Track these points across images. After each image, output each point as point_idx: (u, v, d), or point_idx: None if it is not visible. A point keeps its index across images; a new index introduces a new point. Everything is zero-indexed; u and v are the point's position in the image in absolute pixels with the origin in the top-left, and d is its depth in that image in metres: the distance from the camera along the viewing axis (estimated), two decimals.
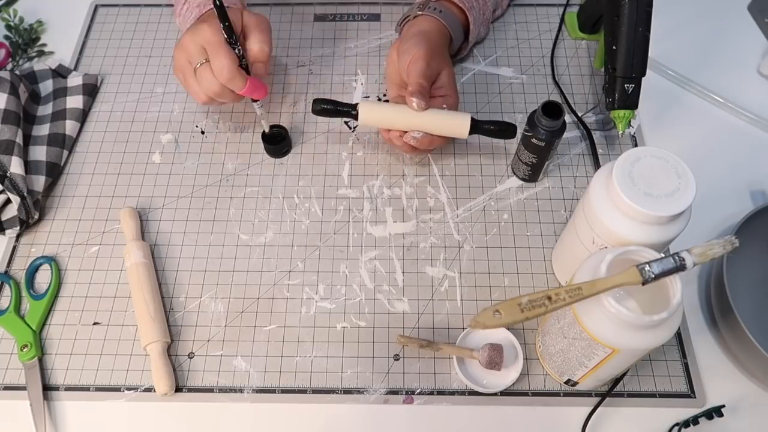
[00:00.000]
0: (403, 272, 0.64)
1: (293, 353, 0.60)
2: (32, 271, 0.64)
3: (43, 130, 0.71)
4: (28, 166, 0.67)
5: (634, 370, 0.58)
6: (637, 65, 0.63)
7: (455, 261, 0.64)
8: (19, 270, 0.64)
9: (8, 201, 0.64)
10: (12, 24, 0.80)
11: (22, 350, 0.59)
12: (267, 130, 0.67)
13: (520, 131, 0.68)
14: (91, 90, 0.75)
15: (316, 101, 0.64)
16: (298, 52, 0.79)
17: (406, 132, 0.63)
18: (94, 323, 0.61)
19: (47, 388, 0.58)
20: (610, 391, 0.56)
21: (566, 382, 0.56)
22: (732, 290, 0.55)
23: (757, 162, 0.70)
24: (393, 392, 0.58)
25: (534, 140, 0.62)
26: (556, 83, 0.76)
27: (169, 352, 0.60)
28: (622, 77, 0.63)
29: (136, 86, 0.77)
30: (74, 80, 0.75)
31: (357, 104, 0.63)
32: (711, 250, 0.44)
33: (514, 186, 0.69)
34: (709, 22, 0.81)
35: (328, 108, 0.64)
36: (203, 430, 0.57)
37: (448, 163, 0.70)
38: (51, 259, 0.64)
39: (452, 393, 0.58)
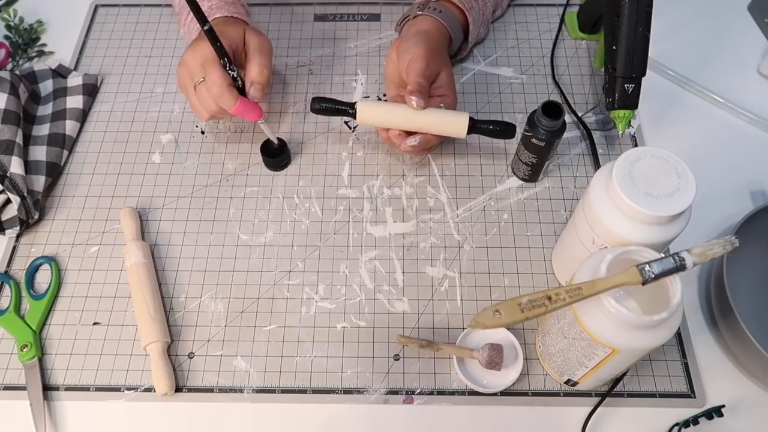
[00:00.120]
0: (403, 272, 0.64)
1: (293, 353, 0.60)
2: (32, 271, 0.64)
3: (43, 130, 0.71)
4: (28, 166, 0.67)
5: (634, 370, 0.58)
6: (637, 65, 0.63)
7: (455, 261, 0.64)
8: (19, 270, 0.65)
9: (8, 201, 0.64)
10: (12, 24, 0.80)
11: (22, 350, 0.59)
12: (275, 142, 0.67)
13: (519, 131, 0.68)
14: (91, 90, 0.75)
15: (314, 100, 0.64)
16: (298, 52, 0.79)
17: (404, 131, 0.63)
18: (94, 323, 0.61)
19: (47, 388, 0.58)
20: (610, 391, 0.56)
21: (566, 382, 0.56)
22: (732, 290, 0.55)
23: (757, 162, 0.70)
24: (393, 392, 0.58)
25: (534, 140, 0.62)
26: (556, 83, 0.76)
27: (169, 352, 0.60)
28: (622, 77, 0.63)
29: (136, 86, 0.77)
30: (74, 80, 0.75)
31: (355, 103, 0.63)
32: (711, 250, 0.44)
33: (514, 186, 0.69)
34: (709, 22, 0.81)
35: (327, 107, 0.64)
36: (203, 430, 0.57)
37: (448, 163, 0.70)
38: (51, 259, 0.64)
39: (452, 393, 0.58)
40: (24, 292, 0.63)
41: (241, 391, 0.58)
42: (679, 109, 0.75)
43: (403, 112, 0.62)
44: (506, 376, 0.57)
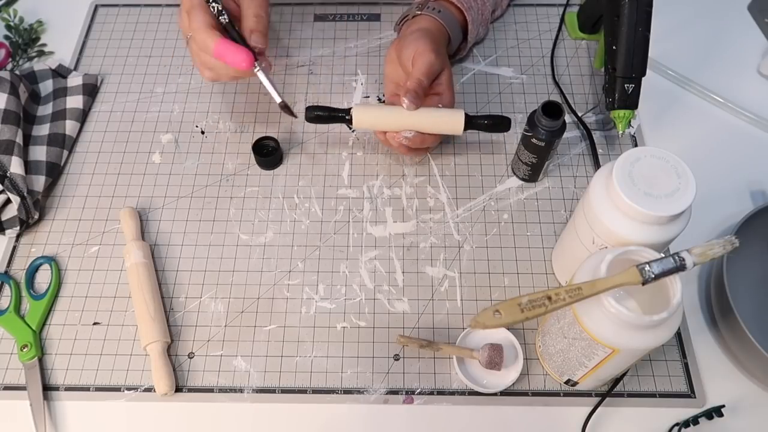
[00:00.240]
0: (403, 272, 0.64)
1: (293, 353, 0.60)
2: (32, 271, 0.64)
3: (43, 130, 0.71)
4: (28, 166, 0.67)
5: (634, 370, 0.58)
6: (637, 65, 0.63)
7: (455, 261, 0.64)
8: (19, 270, 0.64)
9: (8, 201, 0.64)
10: (12, 24, 0.80)
11: (22, 350, 0.59)
12: (277, 99, 0.63)
13: (519, 131, 0.68)
14: (91, 90, 0.75)
15: (308, 109, 0.64)
16: (298, 52, 0.79)
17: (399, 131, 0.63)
18: (94, 323, 0.61)
19: (47, 388, 0.58)
20: (610, 391, 0.56)
21: (566, 382, 0.56)
22: (732, 290, 0.55)
23: (757, 162, 0.70)
24: (393, 392, 0.58)
25: (534, 140, 0.62)
26: (556, 83, 0.76)
27: (169, 352, 0.60)
28: (622, 77, 0.63)
29: (136, 86, 0.77)
30: (74, 80, 0.75)
31: (350, 109, 0.63)
32: (711, 250, 0.44)
33: (514, 186, 0.69)
34: (709, 22, 0.81)
35: (322, 114, 0.64)
36: (203, 430, 0.57)
37: (448, 163, 0.70)
38: (51, 259, 0.64)
39: (452, 393, 0.58)
40: (24, 292, 0.63)
41: (241, 391, 0.58)
42: (679, 109, 0.75)
43: (399, 113, 0.62)
44: (506, 376, 0.57)
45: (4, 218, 0.65)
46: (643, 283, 0.44)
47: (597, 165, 0.69)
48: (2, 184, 0.63)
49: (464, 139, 0.72)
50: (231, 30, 0.60)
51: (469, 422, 0.57)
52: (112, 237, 0.66)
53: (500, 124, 0.64)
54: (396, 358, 0.59)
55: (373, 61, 0.78)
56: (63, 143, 0.70)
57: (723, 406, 0.56)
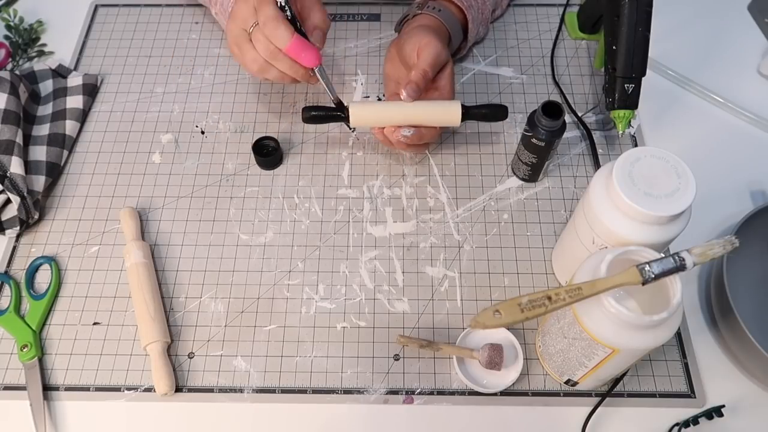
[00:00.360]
0: (403, 272, 0.64)
1: (293, 353, 0.60)
2: (32, 271, 0.64)
3: (43, 130, 0.71)
4: (28, 166, 0.67)
5: (634, 370, 0.58)
6: (637, 65, 0.63)
7: (455, 261, 0.64)
8: (19, 270, 0.64)
9: (8, 201, 0.64)
10: (12, 24, 0.80)
11: (22, 350, 0.59)
12: (333, 97, 0.63)
13: (519, 131, 0.68)
14: (91, 90, 0.75)
15: (305, 109, 0.64)
16: None
17: (398, 128, 0.63)
18: (94, 323, 0.61)
19: (47, 388, 0.58)
20: (610, 391, 0.56)
21: (566, 382, 0.56)
22: (732, 290, 0.55)
23: (757, 162, 0.70)
24: (393, 392, 0.58)
25: (534, 140, 0.62)
26: (556, 83, 0.76)
27: (169, 352, 0.60)
28: (622, 77, 0.63)
29: (136, 86, 0.77)
30: (74, 80, 0.75)
31: (347, 106, 0.63)
32: (711, 250, 0.44)
33: (514, 186, 0.69)
34: (709, 22, 0.81)
35: (319, 114, 0.64)
36: (203, 430, 0.57)
37: (448, 163, 0.70)
38: (51, 259, 0.64)
39: (452, 393, 0.58)
40: (24, 292, 0.63)
41: (241, 391, 0.58)
42: (679, 109, 0.75)
43: (397, 107, 0.62)
44: (506, 376, 0.57)
45: (4, 218, 0.65)
46: (643, 283, 0.44)
47: (597, 165, 0.69)
48: (2, 184, 0.63)
49: (464, 138, 0.72)
50: (293, 25, 0.58)
51: (469, 422, 0.57)
52: (112, 237, 0.66)
53: (497, 113, 0.64)
54: (396, 358, 0.59)
55: (373, 61, 0.78)
56: (63, 143, 0.70)
57: (723, 406, 0.56)
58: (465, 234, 0.66)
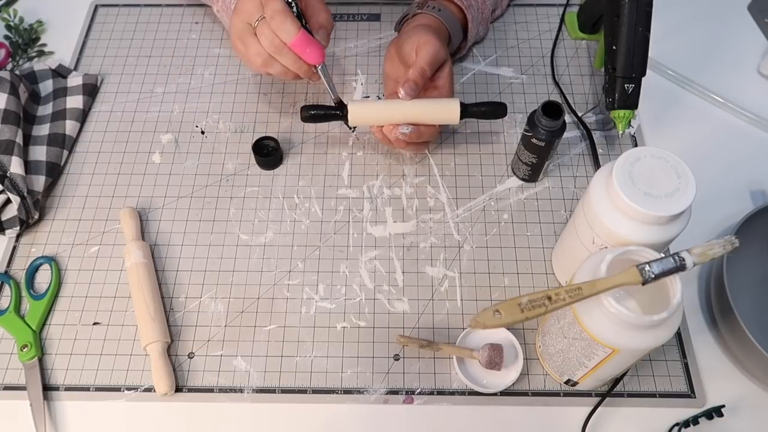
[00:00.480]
0: (403, 272, 0.64)
1: (293, 353, 0.60)
2: (32, 271, 0.64)
3: (43, 130, 0.71)
4: (28, 166, 0.67)
5: (634, 370, 0.58)
6: (637, 65, 0.63)
7: (455, 261, 0.64)
8: (19, 270, 0.64)
9: (8, 201, 0.64)
10: (12, 24, 0.80)
11: (22, 350, 0.59)
12: (334, 97, 0.63)
13: (519, 131, 0.68)
14: (91, 90, 0.75)
15: (304, 108, 0.64)
16: None
17: (397, 126, 0.62)
18: (94, 323, 0.61)
19: (47, 388, 0.58)
20: (610, 391, 0.56)
21: (566, 382, 0.56)
22: (732, 290, 0.55)
23: (757, 162, 0.70)
24: (393, 392, 0.58)
25: (534, 140, 0.62)
26: (556, 83, 0.76)
27: (169, 352, 0.60)
28: (622, 77, 0.63)
29: (136, 86, 0.77)
30: (74, 80, 0.75)
31: (345, 105, 0.63)
32: (711, 250, 0.44)
33: (514, 186, 0.69)
34: (708, 22, 0.81)
35: (318, 113, 0.64)
36: (203, 430, 0.57)
37: (448, 163, 0.70)
38: (51, 259, 0.64)
39: (452, 393, 0.58)
40: (24, 292, 0.63)
41: (241, 391, 0.58)
42: (679, 109, 0.75)
43: (395, 105, 0.62)
44: (506, 376, 0.57)
45: (4, 218, 0.65)
46: (643, 283, 0.44)
47: (597, 165, 0.69)
48: (2, 184, 0.63)
49: (464, 138, 0.72)
50: (299, 21, 0.59)
51: (469, 422, 0.57)
52: (112, 237, 0.66)
53: (496, 111, 0.64)
54: (396, 358, 0.59)
55: (373, 61, 0.78)
56: (63, 143, 0.70)
57: (723, 406, 0.56)
58: (465, 234, 0.66)
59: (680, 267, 0.43)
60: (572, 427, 0.56)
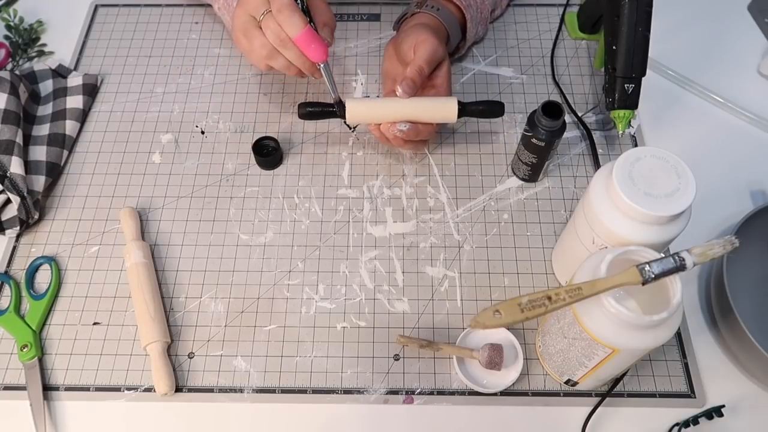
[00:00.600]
0: (403, 272, 0.64)
1: (293, 353, 0.60)
2: (32, 271, 0.64)
3: (43, 130, 0.71)
4: (28, 166, 0.67)
5: (634, 370, 0.58)
6: (637, 65, 0.63)
7: (455, 261, 0.64)
8: (19, 270, 0.64)
9: (8, 201, 0.64)
10: (12, 24, 0.80)
11: (22, 350, 0.59)
12: (334, 95, 0.63)
13: (519, 131, 0.68)
14: (91, 90, 0.75)
15: (301, 105, 0.64)
16: None
17: (394, 123, 0.62)
18: (94, 323, 0.61)
19: (47, 388, 0.58)
20: (610, 391, 0.56)
21: (566, 382, 0.56)
22: (732, 290, 0.55)
23: (757, 162, 0.70)
24: (393, 392, 0.58)
25: (534, 140, 0.62)
26: (556, 83, 0.76)
27: (169, 352, 0.60)
28: (622, 77, 0.63)
29: (136, 86, 0.77)
30: (74, 80, 0.75)
31: (343, 102, 0.63)
32: (711, 250, 0.44)
33: (514, 186, 0.69)
34: (708, 22, 0.81)
35: (315, 110, 0.64)
36: (203, 430, 0.57)
37: (448, 163, 0.70)
38: (51, 259, 0.64)
39: (452, 393, 0.58)
40: (24, 292, 0.63)
41: (241, 391, 0.58)
42: (679, 109, 0.75)
43: (393, 103, 0.62)
44: (506, 376, 0.57)
45: (4, 218, 0.65)
46: (643, 283, 0.44)
47: (597, 165, 0.69)
48: (2, 184, 0.63)
49: (464, 138, 0.72)
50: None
51: (469, 422, 0.57)
52: (112, 237, 0.66)
53: (494, 110, 0.64)
54: (396, 358, 0.59)
55: (373, 61, 0.78)
56: (63, 143, 0.70)
57: (723, 406, 0.56)
58: (465, 234, 0.66)
59: (680, 267, 0.43)
60: (572, 427, 0.56)
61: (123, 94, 0.76)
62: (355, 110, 0.63)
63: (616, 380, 0.57)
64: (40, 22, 0.82)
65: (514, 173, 0.69)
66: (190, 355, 0.60)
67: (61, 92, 0.74)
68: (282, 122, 0.73)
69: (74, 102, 0.73)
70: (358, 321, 0.61)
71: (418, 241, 0.65)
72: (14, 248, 0.66)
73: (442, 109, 0.62)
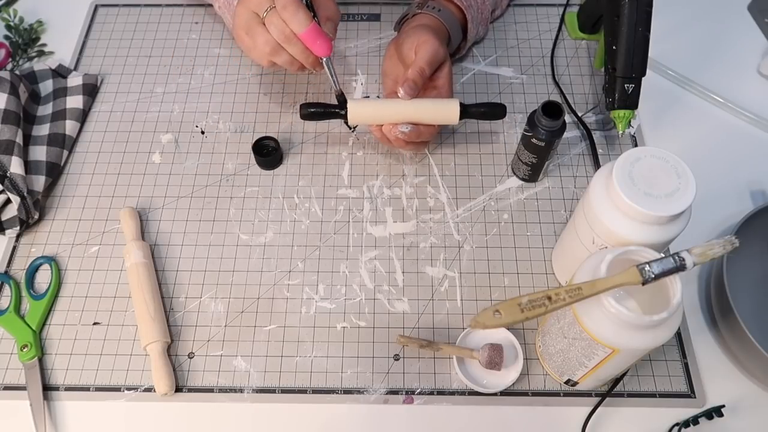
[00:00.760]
0: (403, 272, 0.64)
1: (293, 353, 0.60)
2: (32, 271, 0.64)
3: (43, 130, 0.71)
4: (28, 166, 0.67)
5: (634, 370, 0.58)
6: (637, 65, 0.63)
7: (455, 261, 0.64)
8: (19, 270, 0.64)
9: (8, 201, 0.64)
10: (12, 24, 0.80)
11: (22, 350, 0.59)
12: (337, 89, 0.64)
13: (519, 131, 0.68)
14: (91, 90, 0.75)
15: (303, 106, 0.64)
16: None
17: (396, 124, 0.62)
18: (94, 323, 0.61)
19: (47, 388, 0.58)
20: (610, 391, 0.56)
21: (566, 382, 0.56)
22: (732, 290, 0.55)
23: (757, 162, 0.70)
24: (393, 392, 0.58)
25: (534, 140, 0.62)
26: (556, 83, 0.76)
27: (169, 352, 0.60)
28: (622, 77, 0.63)
29: (136, 86, 0.77)
30: (74, 80, 0.75)
31: (346, 100, 0.63)
32: (711, 250, 0.44)
33: (514, 186, 0.69)
34: (708, 22, 0.81)
35: (317, 111, 0.64)
36: (203, 430, 0.57)
37: (448, 163, 0.70)
38: (51, 259, 0.64)
39: (452, 393, 0.58)
40: (24, 292, 0.63)
41: (241, 391, 0.58)
42: (679, 109, 0.75)
43: (395, 105, 0.62)
44: (506, 376, 0.57)
45: (4, 218, 0.65)
46: (643, 283, 0.44)
47: (597, 165, 0.69)
48: (2, 184, 0.63)
49: (464, 138, 0.72)
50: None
51: (469, 422, 0.57)
52: (112, 237, 0.66)
53: (496, 111, 0.64)
54: (396, 358, 0.59)
55: (373, 61, 0.78)
56: (63, 143, 0.70)
57: (723, 406, 0.56)
58: (465, 234, 0.66)
59: (680, 267, 0.43)
60: (572, 427, 0.56)
61: (123, 94, 0.76)
62: (356, 111, 0.63)
63: (616, 380, 0.57)
64: (40, 22, 0.82)
65: (514, 173, 0.69)
66: (190, 355, 0.60)
67: (61, 92, 0.74)
68: (282, 122, 0.73)
69: (74, 102, 0.73)
70: (358, 321, 0.61)
71: (418, 241, 0.65)
72: (14, 248, 0.66)
73: (444, 111, 0.62)
